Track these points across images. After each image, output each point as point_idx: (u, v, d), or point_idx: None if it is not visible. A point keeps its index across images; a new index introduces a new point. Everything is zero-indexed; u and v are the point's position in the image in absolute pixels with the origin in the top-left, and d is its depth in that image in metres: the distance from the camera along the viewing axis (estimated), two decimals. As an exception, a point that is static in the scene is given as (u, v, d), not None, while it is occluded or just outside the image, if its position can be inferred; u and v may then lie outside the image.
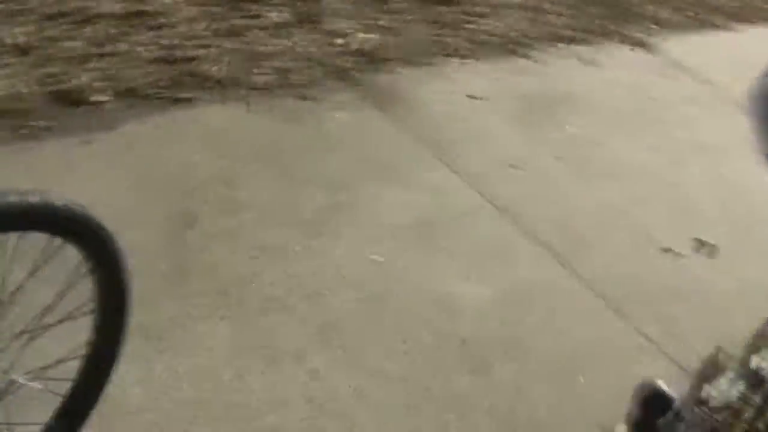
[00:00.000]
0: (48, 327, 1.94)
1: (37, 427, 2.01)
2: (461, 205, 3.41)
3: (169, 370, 2.47)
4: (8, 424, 1.90)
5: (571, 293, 2.96)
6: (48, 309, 1.93)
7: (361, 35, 4.48)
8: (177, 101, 3.70)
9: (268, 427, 2.31)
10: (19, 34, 3.74)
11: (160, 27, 4.07)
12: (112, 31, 3.95)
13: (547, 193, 3.54)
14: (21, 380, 1.83)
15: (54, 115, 3.43)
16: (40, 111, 3.42)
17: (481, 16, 4.87)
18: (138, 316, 2.60)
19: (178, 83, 3.77)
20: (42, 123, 3.38)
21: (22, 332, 1.92)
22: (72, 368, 2.01)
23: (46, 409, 2.02)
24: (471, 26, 4.76)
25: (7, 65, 3.60)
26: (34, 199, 1.66)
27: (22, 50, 3.68)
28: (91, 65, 3.70)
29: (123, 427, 2.26)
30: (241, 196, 3.23)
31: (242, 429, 2.30)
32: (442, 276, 2.97)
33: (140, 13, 4.10)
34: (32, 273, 1.81)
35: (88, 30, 3.91)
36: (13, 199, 1.62)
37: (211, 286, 2.79)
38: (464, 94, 4.22)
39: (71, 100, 3.52)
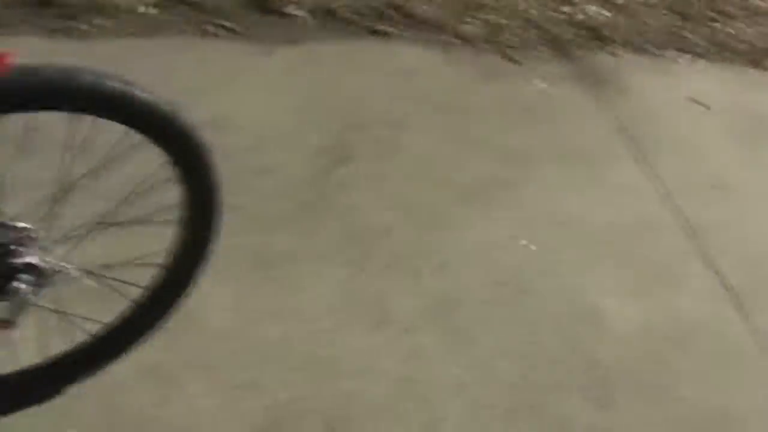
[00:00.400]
0: (122, 224, 1.80)
1: (95, 324, 1.87)
2: (644, 214, 3.00)
3: (266, 303, 2.28)
4: (65, 313, 1.77)
5: (740, 345, 2.52)
6: (124, 204, 1.78)
7: (590, 7, 4.09)
8: (374, 32, 3.50)
9: (342, 393, 2.07)
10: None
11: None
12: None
13: (746, 226, 3.06)
14: (73, 271, 1.68)
15: (243, 18, 3.31)
16: (229, 11, 3.31)
17: (731, 16, 4.34)
18: (253, 240, 2.46)
19: (381, 14, 3.57)
20: (228, 23, 3.26)
21: (99, 223, 1.79)
22: (144, 274, 1.85)
23: (109, 308, 1.87)
24: (715, 25, 4.25)
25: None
26: (114, 84, 1.49)
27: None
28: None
29: (195, 347, 2.10)
30: (405, 144, 2.98)
31: (316, 387, 2.07)
32: (597, 286, 2.60)
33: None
34: (102, 164, 1.66)
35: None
36: (89, 78, 1.45)
37: (340, 229, 2.58)
38: (686, 96, 3.75)
39: (266, 7, 3.38)
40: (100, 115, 1.52)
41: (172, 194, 1.75)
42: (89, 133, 1.60)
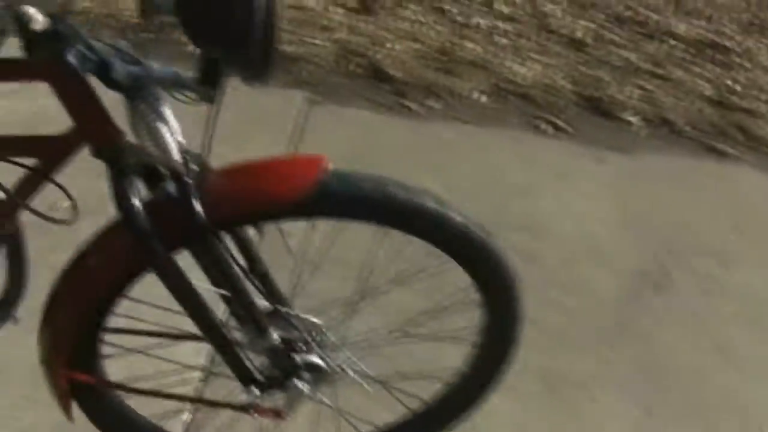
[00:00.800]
0: (417, 337, 1.75)
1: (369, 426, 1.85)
2: None
3: (551, 429, 2.15)
4: (339, 410, 1.77)
5: None
6: (423, 319, 1.73)
7: None
8: (711, 150, 3.26)
9: None
10: (579, 28, 3.57)
11: (729, 66, 3.61)
12: (676, 54, 3.60)
13: None
14: (355, 376, 1.65)
15: (575, 118, 3.22)
16: (562, 108, 3.23)
17: None
18: (547, 358, 2.33)
19: (721, 131, 3.32)
20: (559, 121, 3.18)
21: (391, 332, 1.76)
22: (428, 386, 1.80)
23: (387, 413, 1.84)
24: None
25: (554, 54, 3.45)
26: (427, 203, 1.43)
27: (576, 45, 3.51)
28: (637, 82, 3.40)
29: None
30: (729, 280, 2.72)
31: None
32: None
33: (714, 45, 3.68)
34: (405, 276, 1.62)
35: (650, 45, 3.60)
36: (402, 194, 1.41)
37: (641, 363, 2.38)
38: None
39: (599, 109, 3.27)
40: (408, 232, 1.47)
41: (472, 315, 1.68)
42: (398, 243, 1.57)
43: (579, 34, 3.59)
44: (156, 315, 1.57)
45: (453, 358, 1.77)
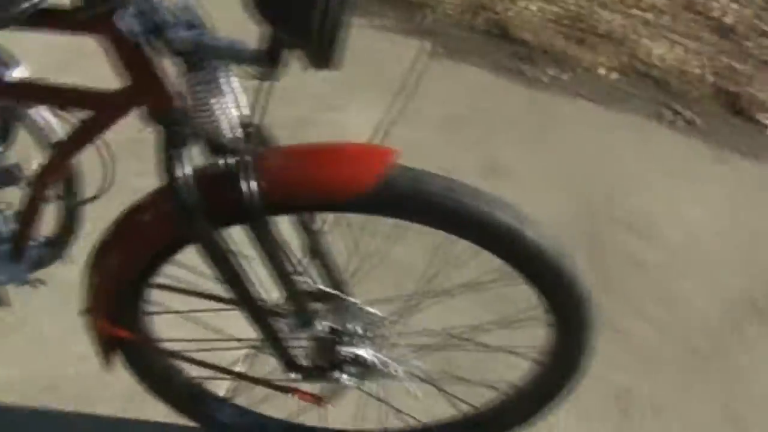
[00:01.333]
0: (480, 347, 1.64)
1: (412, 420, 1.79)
2: None
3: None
4: (387, 403, 1.72)
5: None
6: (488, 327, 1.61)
7: None
8: None
9: None
10: (731, 13, 3.28)
11: None
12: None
13: None
14: (405, 376, 1.55)
15: (706, 112, 2.98)
16: (694, 99, 2.99)
17: None
18: (621, 375, 2.17)
19: None
20: (688, 113, 2.95)
21: (452, 337, 1.65)
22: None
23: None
24: None
25: (696, 38, 3.19)
26: (502, 217, 1.29)
27: (723, 31, 3.23)
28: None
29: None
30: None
31: None
32: None
33: None
34: (469, 285, 1.49)
35: (807, 43, 3.30)
36: (475, 203, 1.27)
37: (727, 395, 2.19)
38: None
39: (736, 105, 3.01)
40: (475, 243, 1.34)
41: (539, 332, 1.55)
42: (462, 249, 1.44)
43: (729, 20, 3.30)
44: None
45: (514, 370, 1.66)
